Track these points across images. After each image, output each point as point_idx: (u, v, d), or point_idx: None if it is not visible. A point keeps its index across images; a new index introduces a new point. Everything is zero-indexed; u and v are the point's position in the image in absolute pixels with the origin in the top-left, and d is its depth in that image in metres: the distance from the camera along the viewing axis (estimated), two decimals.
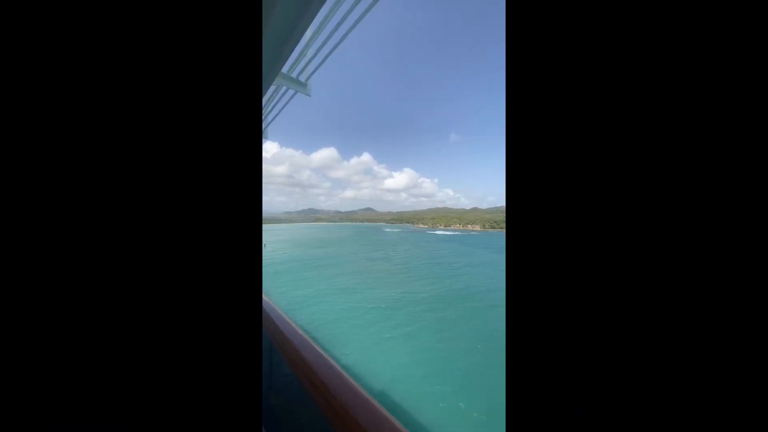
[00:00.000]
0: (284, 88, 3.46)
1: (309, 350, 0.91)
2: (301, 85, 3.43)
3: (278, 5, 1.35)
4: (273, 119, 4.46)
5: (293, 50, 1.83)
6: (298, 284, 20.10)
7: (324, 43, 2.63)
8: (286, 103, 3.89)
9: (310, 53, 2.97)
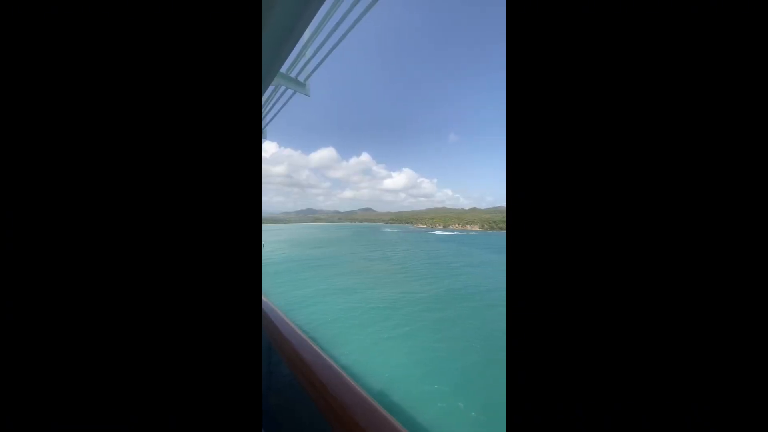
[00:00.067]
0: (283, 87, 3.45)
1: (308, 350, 0.91)
2: (299, 85, 3.43)
3: (277, 5, 1.35)
4: (272, 119, 4.45)
5: (292, 50, 1.83)
6: (296, 284, 20.08)
7: (323, 43, 2.63)
8: (285, 102, 3.88)
9: (308, 53, 2.97)
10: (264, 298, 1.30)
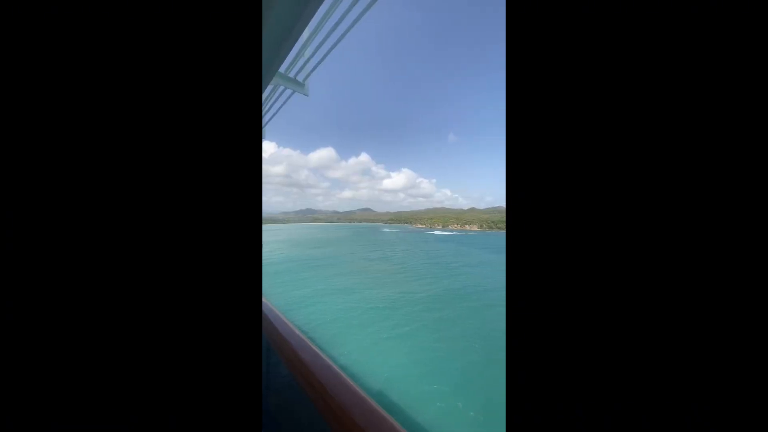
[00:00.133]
0: (282, 87, 3.45)
1: (306, 351, 0.91)
2: (298, 85, 3.42)
3: (276, 4, 1.34)
4: (270, 119, 4.44)
5: (291, 49, 1.83)
6: (295, 284, 20.06)
7: (322, 42, 2.62)
8: (284, 102, 3.88)
9: (307, 53, 2.97)
10: (263, 299, 1.29)
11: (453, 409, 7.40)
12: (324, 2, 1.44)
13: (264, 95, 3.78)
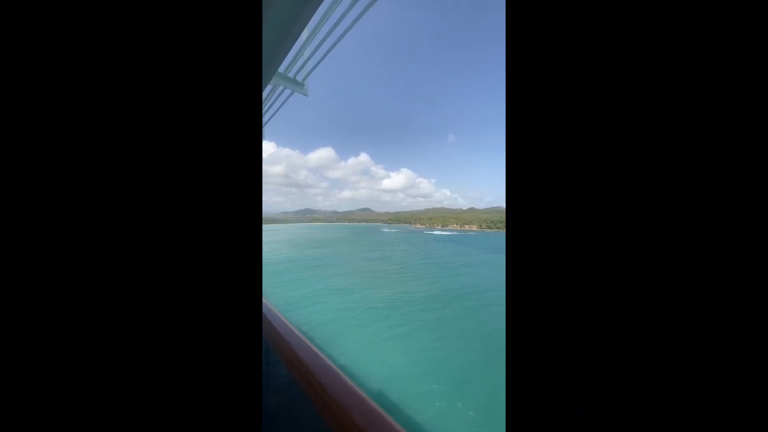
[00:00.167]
0: (281, 87, 3.44)
1: (305, 350, 0.91)
2: (298, 85, 3.42)
3: (276, 4, 1.34)
4: (269, 119, 4.44)
5: (290, 49, 1.82)
6: (295, 284, 20.03)
7: (321, 42, 2.62)
8: (283, 102, 3.87)
9: (307, 52, 2.96)
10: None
11: (452, 409, 7.40)
12: (323, 2, 1.44)
13: (263, 95, 3.78)
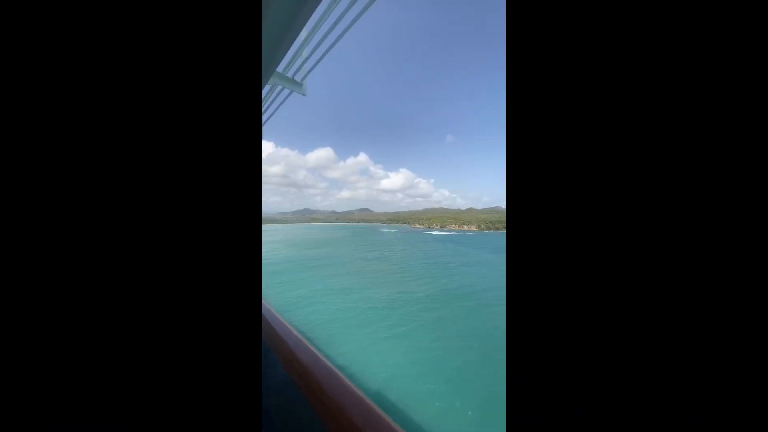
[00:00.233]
0: (279, 87, 3.43)
1: (304, 351, 0.91)
2: (296, 85, 3.41)
3: (274, 4, 1.34)
4: (268, 119, 4.43)
5: (289, 49, 1.82)
6: (293, 285, 20.01)
7: (320, 42, 2.62)
8: (282, 102, 3.86)
9: (305, 53, 2.96)
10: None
11: (451, 409, 7.41)
12: (322, 1, 1.44)
13: (262, 95, 3.77)
